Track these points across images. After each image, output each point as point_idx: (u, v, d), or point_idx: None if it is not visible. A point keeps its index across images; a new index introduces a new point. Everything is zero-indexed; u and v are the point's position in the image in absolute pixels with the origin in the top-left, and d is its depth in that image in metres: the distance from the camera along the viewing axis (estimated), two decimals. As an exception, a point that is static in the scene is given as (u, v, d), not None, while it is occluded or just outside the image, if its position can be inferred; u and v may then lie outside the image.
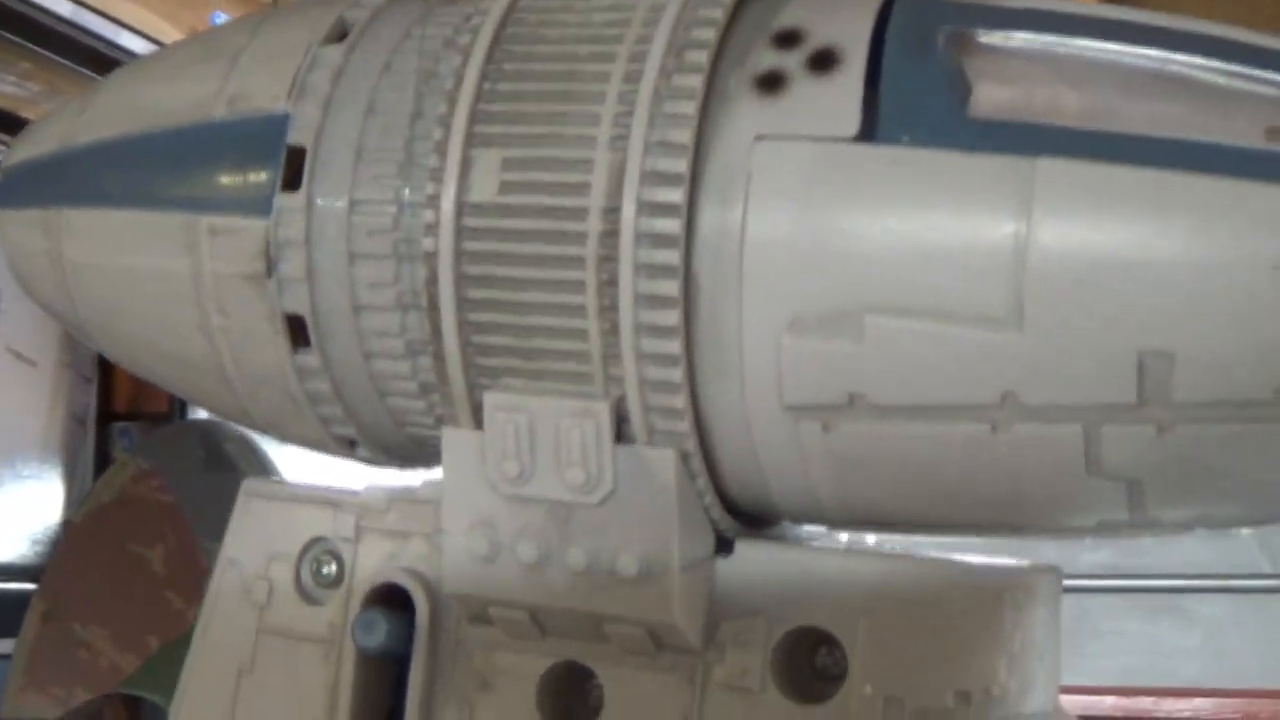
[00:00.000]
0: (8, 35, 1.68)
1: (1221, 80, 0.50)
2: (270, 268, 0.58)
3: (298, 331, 0.59)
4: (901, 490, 0.53)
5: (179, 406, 1.76)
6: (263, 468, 1.55)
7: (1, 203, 0.68)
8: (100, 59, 1.71)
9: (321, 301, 0.58)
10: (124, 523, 1.62)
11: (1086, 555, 2.19)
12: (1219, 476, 0.50)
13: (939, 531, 0.56)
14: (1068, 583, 0.58)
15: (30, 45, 1.70)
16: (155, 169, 0.62)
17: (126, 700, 1.59)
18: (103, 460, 1.77)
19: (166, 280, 0.61)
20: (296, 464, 0.71)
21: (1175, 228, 0.47)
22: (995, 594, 0.55)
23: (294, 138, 0.58)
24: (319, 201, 0.58)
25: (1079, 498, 0.51)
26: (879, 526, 0.57)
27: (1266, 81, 0.50)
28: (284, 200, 0.58)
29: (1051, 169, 0.48)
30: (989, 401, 0.49)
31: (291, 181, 0.58)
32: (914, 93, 0.51)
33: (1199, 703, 2.10)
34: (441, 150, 0.55)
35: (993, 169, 0.49)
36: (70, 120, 0.66)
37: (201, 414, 1.83)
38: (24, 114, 1.72)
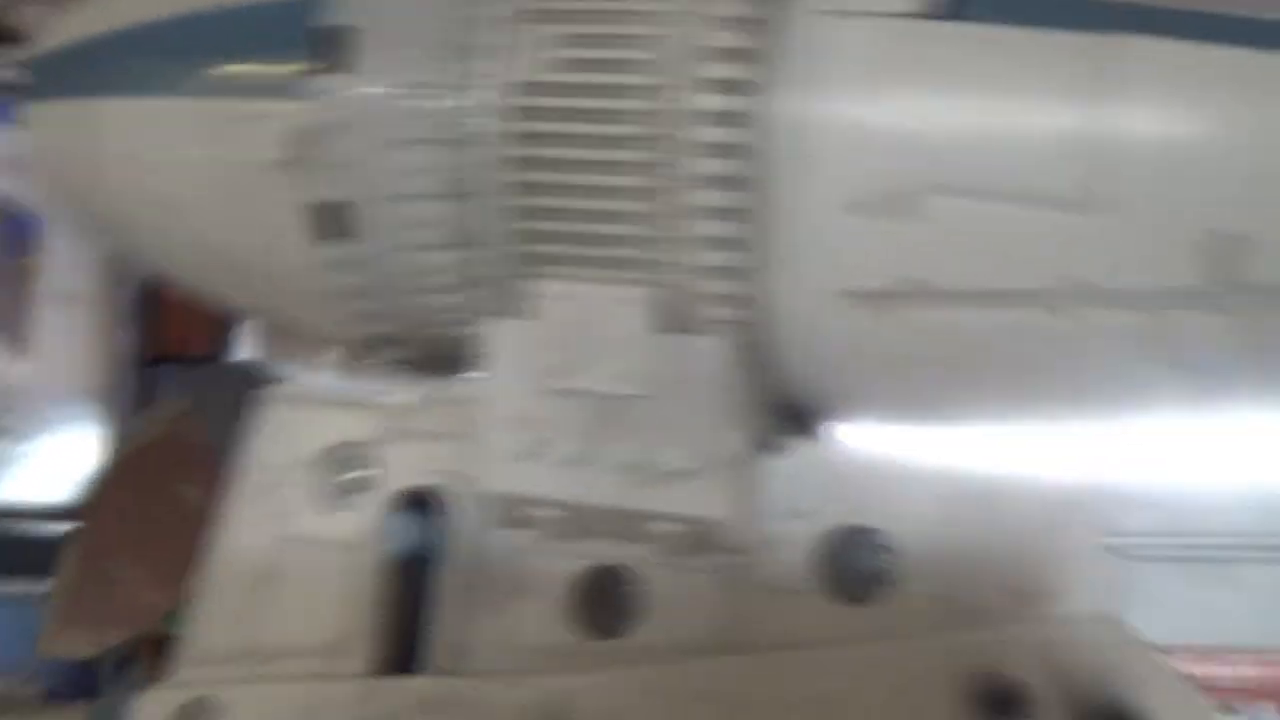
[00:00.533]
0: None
1: None
2: (306, 153, 0.56)
3: (331, 222, 0.56)
4: (961, 381, 0.51)
5: (222, 347, 1.75)
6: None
7: (33, 94, 0.66)
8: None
9: (359, 190, 0.56)
10: (164, 462, 1.60)
11: (1131, 519, 2.14)
12: None
13: (990, 421, 0.54)
14: (1112, 544, 0.56)
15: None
16: (188, 54, 0.59)
17: (163, 639, 1.58)
18: (145, 401, 1.76)
19: (197, 168, 0.58)
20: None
21: (1251, 107, 0.45)
22: (1046, 496, 0.53)
23: (334, 18, 0.56)
24: (360, 84, 0.55)
25: (1144, 385, 0.49)
26: (934, 420, 0.55)
27: None
28: (322, 83, 0.55)
29: (1133, 46, 0.46)
30: (1057, 286, 0.47)
31: (331, 64, 0.55)
32: None
33: (1244, 667, 2.06)
34: (493, 27, 0.53)
35: (1072, 46, 0.47)
36: (99, 7, 0.64)
37: (245, 355, 1.81)
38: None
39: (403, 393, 0.60)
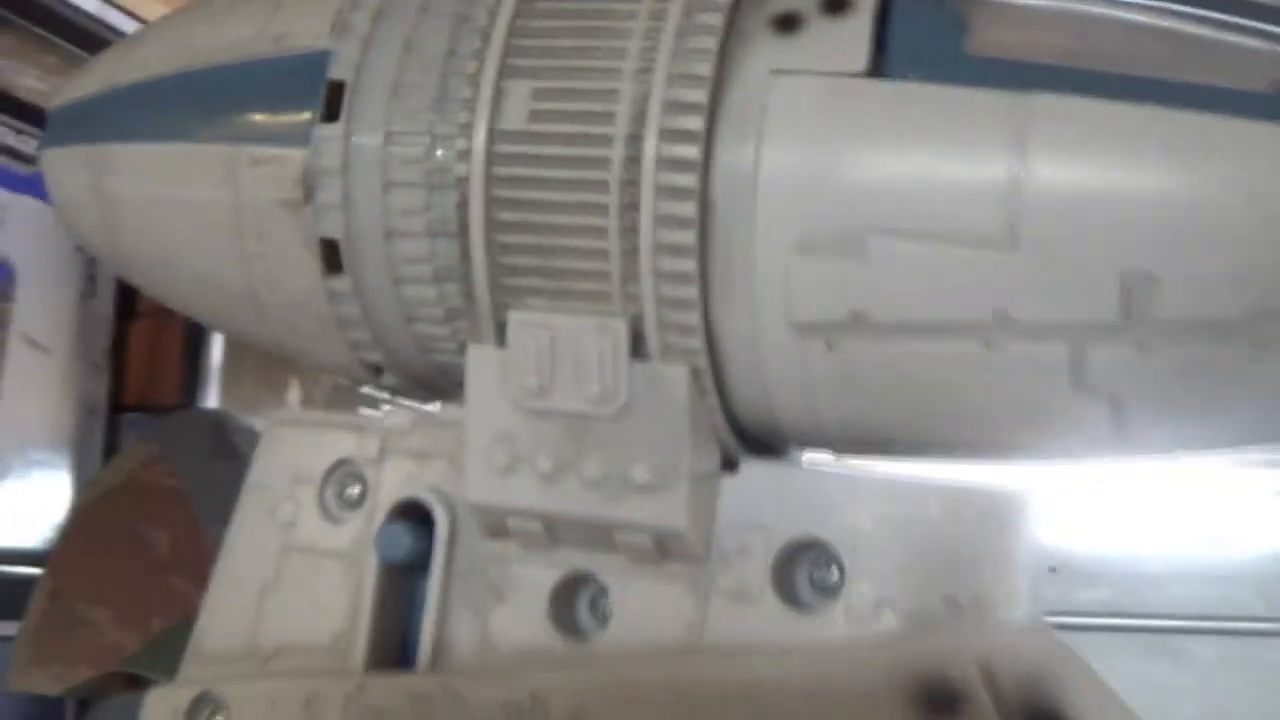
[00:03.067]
0: (33, 28, 1.71)
1: (1217, 34, 0.53)
2: (308, 195, 0.61)
3: (331, 257, 0.62)
4: (899, 408, 0.56)
5: (189, 397, 1.78)
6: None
7: (49, 142, 0.71)
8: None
9: (355, 228, 0.61)
10: (131, 506, 1.62)
11: (1083, 593, 2.18)
12: (1194, 396, 0.53)
13: (933, 453, 0.59)
14: (1063, 621, 0.59)
15: (55, 39, 1.73)
16: (199, 104, 0.65)
17: (127, 679, 1.60)
18: (112, 449, 1.78)
19: (207, 209, 0.64)
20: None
21: (1158, 159, 0.51)
22: (982, 508, 0.57)
23: (334, 73, 0.62)
24: (356, 133, 0.61)
25: (1065, 415, 0.54)
26: (876, 448, 0.60)
27: (1264, 35, 0.53)
28: (323, 131, 0.61)
29: (1046, 103, 0.52)
30: (983, 319, 0.53)
31: (330, 114, 0.61)
32: (920, 33, 0.55)
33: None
34: (475, 81, 0.58)
35: (991, 103, 0.52)
36: (116, 61, 0.69)
37: (211, 404, 1.86)
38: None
39: (395, 416, 0.65)
